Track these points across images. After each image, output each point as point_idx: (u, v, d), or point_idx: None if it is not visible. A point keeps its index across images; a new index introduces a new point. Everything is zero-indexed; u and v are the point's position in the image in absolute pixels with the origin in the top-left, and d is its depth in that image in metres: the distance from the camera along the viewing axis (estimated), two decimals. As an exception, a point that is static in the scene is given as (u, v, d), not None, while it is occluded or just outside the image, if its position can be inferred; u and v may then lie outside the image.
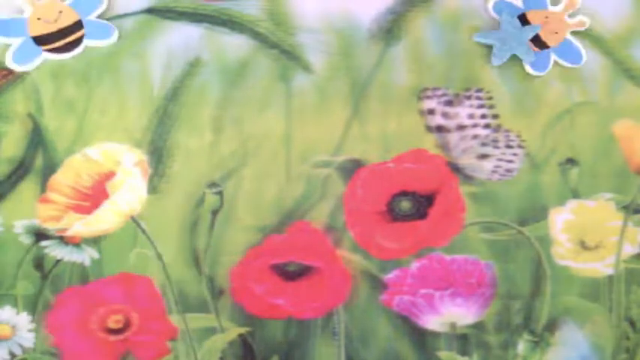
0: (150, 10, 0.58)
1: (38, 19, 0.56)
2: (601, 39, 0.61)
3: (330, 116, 0.59)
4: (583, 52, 0.60)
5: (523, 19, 0.59)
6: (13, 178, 0.57)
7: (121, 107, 0.58)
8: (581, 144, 0.60)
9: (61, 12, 0.56)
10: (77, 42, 0.57)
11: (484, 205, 0.59)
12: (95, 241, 0.57)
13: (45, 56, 0.57)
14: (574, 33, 0.60)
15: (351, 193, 0.59)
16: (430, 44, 0.60)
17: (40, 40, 0.56)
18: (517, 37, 0.58)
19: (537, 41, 0.59)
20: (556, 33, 0.59)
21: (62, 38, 0.57)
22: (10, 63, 0.56)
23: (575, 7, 0.59)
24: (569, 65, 0.60)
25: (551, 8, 0.60)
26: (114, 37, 0.57)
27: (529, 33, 0.58)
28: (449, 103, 0.60)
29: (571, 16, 0.60)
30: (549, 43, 0.59)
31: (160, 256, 0.57)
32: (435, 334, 0.59)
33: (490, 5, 0.59)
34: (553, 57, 0.60)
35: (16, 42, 0.56)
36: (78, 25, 0.57)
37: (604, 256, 0.60)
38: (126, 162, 0.57)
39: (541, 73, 0.60)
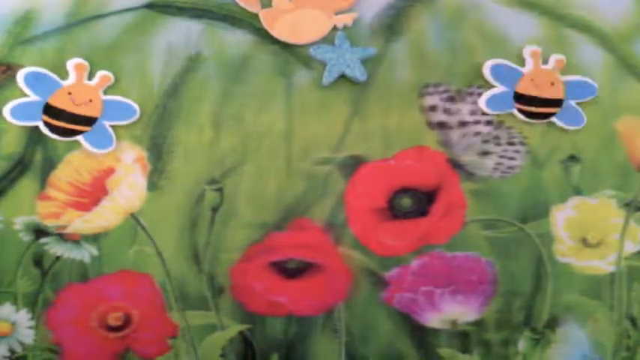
0: (149, 6, 0.58)
1: (69, 93, 0.56)
2: (604, 35, 0.61)
3: (331, 112, 0.59)
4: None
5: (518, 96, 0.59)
6: (12, 174, 0.57)
7: (121, 103, 0.58)
8: (583, 141, 0.60)
9: (91, 101, 0.55)
10: (74, 133, 0.56)
11: (485, 203, 0.59)
12: (95, 238, 0.57)
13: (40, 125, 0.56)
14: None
15: (352, 190, 0.58)
16: (432, 40, 0.60)
17: (51, 111, 0.56)
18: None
19: (552, 102, 0.59)
20: (552, 84, 0.59)
21: (70, 122, 0.56)
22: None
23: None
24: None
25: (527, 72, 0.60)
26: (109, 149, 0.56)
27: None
28: (451, 99, 0.60)
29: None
30: (557, 95, 0.59)
31: (159, 253, 0.57)
32: (436, 332, 0.59)
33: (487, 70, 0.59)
34: (572, 103, 0.60)
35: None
36: (90, 121, 0.56)
37: (605, 254, 0.60)
38: (125, 158, 0.57)
39: (579, 126, 0.60)
